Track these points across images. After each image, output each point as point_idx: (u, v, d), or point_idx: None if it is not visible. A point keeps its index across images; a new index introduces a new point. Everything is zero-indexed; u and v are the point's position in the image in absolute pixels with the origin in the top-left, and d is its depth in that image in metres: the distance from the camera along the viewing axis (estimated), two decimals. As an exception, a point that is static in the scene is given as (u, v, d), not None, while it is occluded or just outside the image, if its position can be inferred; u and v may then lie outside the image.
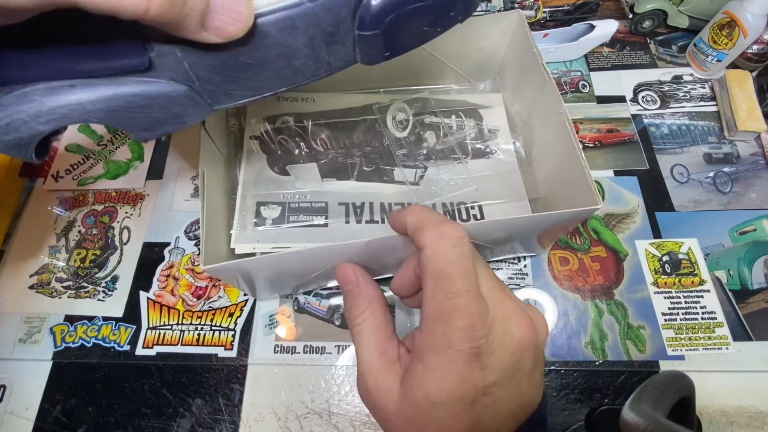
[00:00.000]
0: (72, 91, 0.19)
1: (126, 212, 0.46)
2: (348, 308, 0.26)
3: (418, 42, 0.25)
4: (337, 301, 0.41)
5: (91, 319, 0.40)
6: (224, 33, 0.18)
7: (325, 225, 0.37)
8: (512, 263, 0.42)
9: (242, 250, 0.36)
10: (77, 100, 0.19)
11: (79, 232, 0.45)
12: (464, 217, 0.40)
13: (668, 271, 0.42)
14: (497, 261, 0.42)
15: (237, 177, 0.39)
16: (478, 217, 0.40)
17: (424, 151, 0.42)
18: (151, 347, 0.39)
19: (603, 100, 0.52)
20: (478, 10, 0.58)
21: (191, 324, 0.40)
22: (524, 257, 0.42)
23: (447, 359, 0.19)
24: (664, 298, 0.40)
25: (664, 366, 0.38)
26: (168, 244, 0.44)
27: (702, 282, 0.41)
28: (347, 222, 0.38)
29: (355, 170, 0.41)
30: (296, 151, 0.41)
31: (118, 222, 0.45)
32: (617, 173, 0.47)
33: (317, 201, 0.38)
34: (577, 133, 0.50)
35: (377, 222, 0.38)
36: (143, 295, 0.41)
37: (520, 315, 0.21)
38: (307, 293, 0.41)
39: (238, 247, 0.36)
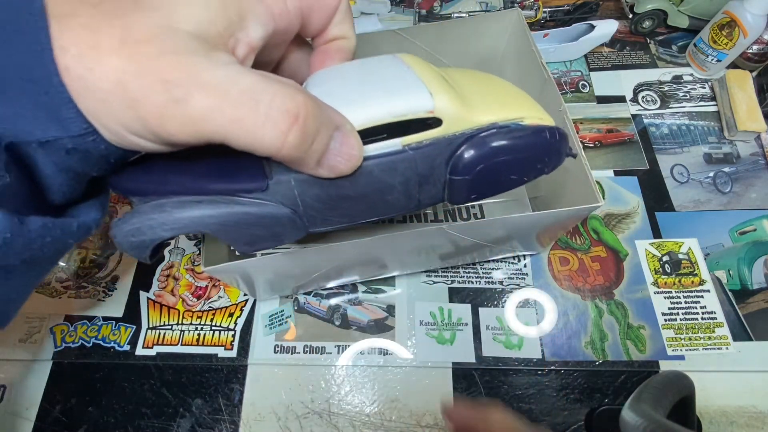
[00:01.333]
0: (198, 207, 0.22)
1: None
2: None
3: (505, 188, 0.27)
4: (336, 301, 0.41)
5: (91, 319, 0.40)
6: (336, 171, 0.21)
7: None
8: (512, 263, 0.42)
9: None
10: (200, 215, 0.22)
11: (79, 232, 0.45)
12: (464, 216, 0.40)
13: (668, 271, 0.42)
14: (497, 260, 0.42)
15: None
16: (478, 215, 0.40)
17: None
18: (151, 347, 0.39)
19: (603, 100, 0.52)
20: (477, 9, 0.58)
21: (191, 324, 0.40)
22: (524, 257, 0.42)
23: None
24: (664, 298, 0.40)
25: (664, 366, 0.38)
26: (168, 244, 0.44)
27: (702, 282, 0.41)
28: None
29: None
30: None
31: (118, 222, 0.45)
32: (617, 173, 0.47)
33: None
34: (577, 133, 0.50)
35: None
36: (143, 295, 0.41)
37: None
38: (307, 293, 0.41)
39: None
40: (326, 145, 0.20)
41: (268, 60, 0.25)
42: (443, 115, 0.23)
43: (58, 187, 0.21)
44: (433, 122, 0.23)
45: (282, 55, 0.26)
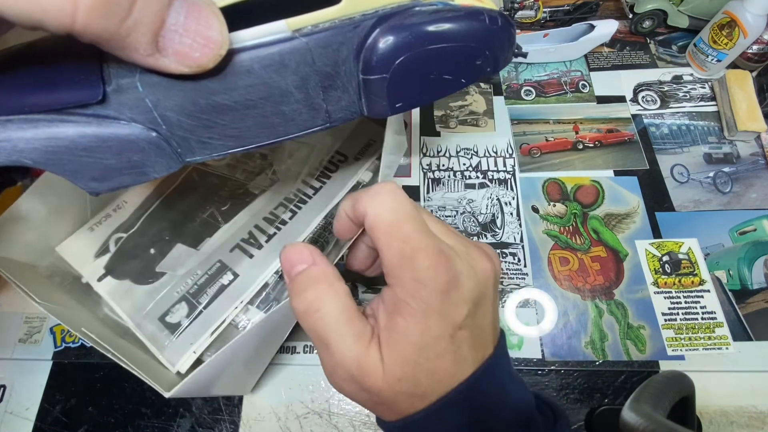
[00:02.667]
0: (7, 127, 0.16)
1: None
2: (301, 294, 0.21)
3: (439, 92, 0.21)
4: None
5: (91, 319, 0.40)
6: (188, 60, 0.15)
7: (237, 275, 0.34)
8: (512, 263, 0.42)
9: (188, 363, 0.30)
10: (8, 138, 0.16)
11: (79, 232, 0.45)
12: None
13: (668, 271, 0.42)
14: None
15: (117, 319, 0.33)
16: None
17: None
18: (151, 347, 0.39)
19: (603, 100, 0.52)
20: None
21: (191, 324, 0.40)
22: (524, 257, 0.42)
23: (423, 301, 0.19)
24: (664, 298, 0.40)
25: (664, 366, 0.38)
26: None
27: (702, 282, 0.41)
28: (252, 256, 0.34)
29: (218, 216, 0.37)
30: (152, 252, 0.35)
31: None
32: (617, 173, 0.47)
33: (210, 266, 0.34)
34: (577, 133, 0.50)
35: (278, 230, 0.36)
36: (143, 295, 0.41)
37: (476, 248, 0.22)
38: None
39: (180, 365, 0.30)
40: (159, 17, 0.14)
41: None
42: None
43: None
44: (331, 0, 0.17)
45: None
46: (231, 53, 0.17)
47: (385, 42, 0.18)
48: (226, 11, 0.15)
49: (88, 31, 0.13)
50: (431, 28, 0.18)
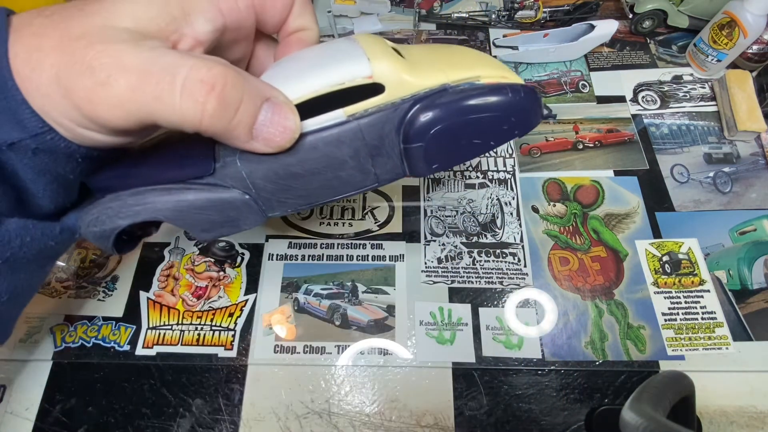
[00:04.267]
0: (151, 194, 0.23)
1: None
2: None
3: (471, 154, 0.25)
4: (337, 301, 0.41)
5: (91, 319, 0.40)
6: (273, 143, 0.21)
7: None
8: (512, 263, 0.42)
9: None
10: (152, 201, 0.23)
11: (79, 232, 0.45)
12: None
13: (668, 271, 0.42)
14: (497, 260, 0.42)
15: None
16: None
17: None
18: (151, 347, 0.39)
19: (603, 100, 0.52)
20: (477, 9, 0.58)
21: (191, 324, 0.40)
22: (524, 257, 0.42)
23: None
24: (664, 298, 0.40)
25: (664, 366, 0.38)
26: (168, 244, 0.44)
27: (702, 282, 0.41)
28: None
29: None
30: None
31: (118, 222, 0.45)
32: (617, 173, 0.47)
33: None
34: (577, 133, 0.50)
35: None
36: (143, 295, 0.41)
37: None
38: (307, 293, 0.41)
39: None
40: (253, 116, 0.20)
41: (234, 58, 0.26)
42: (384, 80, 0.22)
43: (43, 192, 0.22)
44: (375, 89, 0.22)
45: (250, 52, 0.27)
46: (302, 136, 0.22)
47: (420, 118, 0.23)
48: (299, 105, 0.21)
49: (209, 130, 0.20)
50: (457, 105, 0.23)
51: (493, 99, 0.23)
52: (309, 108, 0.22)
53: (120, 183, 0.24)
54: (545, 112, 0.26)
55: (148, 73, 0.18)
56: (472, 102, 0.23)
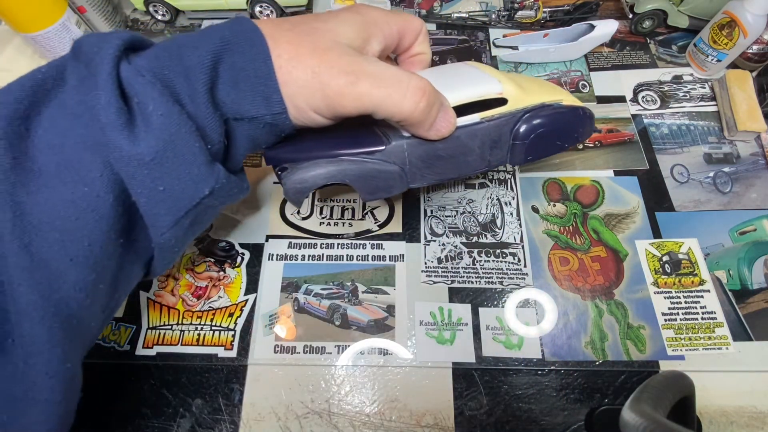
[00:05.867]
0: (342, 163, 0.31)
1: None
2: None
3: (552, 151, 0.36)
4: (337, 301, 0.41)
5: (91, 319, 0.40)
6: (439, 133, 0.30)
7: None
8: (512, 263, 0.42)
9: None
10: (344, 168, 0.31)
11: (79, 232, 0.45)
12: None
13: (668, 271, 0.42)
14: (497, 260, 0.42)
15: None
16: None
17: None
18: (151, 347, 0.39)
19: (603, 100, 0.52)
20: (477, 9, 0.58)
21: (191, 324, 0.40)
22: (524, 257, 0.42)
23: None
24: (664, 298, 0.40)
25: (664, 366, 0.38)
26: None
27: (702, 282, 0.41)
28: None
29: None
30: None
31: (118, 222, 0.45)
32: (617, 173, 0.47)
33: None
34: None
35: None
36: (143, 295, 0.41)
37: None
38: (307, 293, 0.41)
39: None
40: (437, 114, 0.29)
41: None
42: (508, 96, 0.32)
43: (239, 156, 0.30)
44: (501, 102, 0.32)
45: None
46: None
47: (527, 125, 0.33)
48: (453, 108, 0.31)
49: (412, 120, 0.28)
50: (552, 117, 0.34)
51: (572, 116, 0.35)
52: (457, 111, 0.31)
53: (306, 156, 0.31)
54: (595, 127, 0.39)
55: (383, 79, 0.26)
56: (560, 117, 0.34)
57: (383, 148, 0.31)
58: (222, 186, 0.27)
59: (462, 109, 0.31)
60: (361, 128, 0.32)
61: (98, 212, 0.24)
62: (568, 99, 0.35)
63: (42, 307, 0.22)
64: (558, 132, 0.34)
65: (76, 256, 0.23)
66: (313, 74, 0.26)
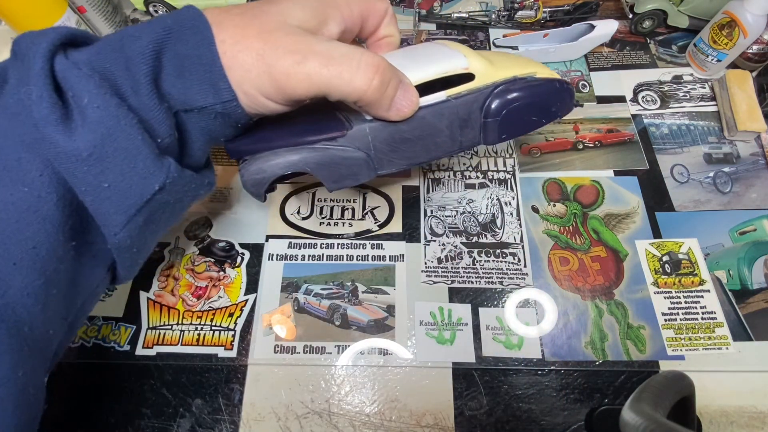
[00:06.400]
0: (302, 151, 0.30)
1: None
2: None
3: (528, 128, 0.34)
4: (337, 301, 0.41)
5: (91, 319, 0.40)
6: (401, 113, 0.29)
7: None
8: (512, 263, 0.42)
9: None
10: (304, 157, 0.30)
11: (79, 232, 0.45)
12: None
13: (668, 271, 0.42)
14: (497, 260, 0.42)
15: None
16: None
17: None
18: (151, 347, 0.39)
19: (603, 100, 0.52)
20: (477, 9, 0.58)
21: (191, 324, 0.40)
22: (524, 257, 0.42)
23: None
24: (664, 298, 0.40)
25: (664, 366, 0.38)
26: (168, 244, 0.44)
27: (702, 282, 0.41)
28: None
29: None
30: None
31: (118, 222, 0.45)
32: (617, 173, 0.47)
33: None
34: (577, 133, 0.50)
35: None
36: (143, 295, 0.41)
37: None
38: (307, 293, 0.41)
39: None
40: (395, 92, 0.27)
41: None
42: (475, 71, 0.30)
43: (196, 150, 0.29)
44: (469, 78, 0.30)
45: None
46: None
47: (497, 100, 0.31)
48: (416, 87, 0.29)
49: (366, 99, 0.26)
50: (525, 90, 0.32)
51: (547, 88, 0.33)
52: (420, 89, 0.29)
53: (265, 146, 0.30)
54: (577, 102, 0.36)
55: (332, 57, 0.25)
56: (534, 90, 0.32)
57: (345, 132, 0.29)
58: (174, 181, 0.26)
59: (427, 88, 0.29)
60: (322, 114, 0.31)
61: (40, 213, 0.23)
62: (543, 72, 0.33)
63: None
64: (533, 106, 0.32)
65: (20, 260, 0.22)
66: (258, 56, 0.24)
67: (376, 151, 0.30)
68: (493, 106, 0.31)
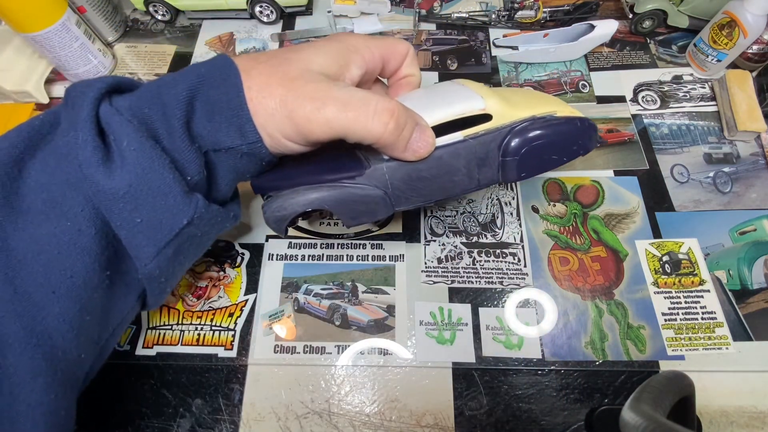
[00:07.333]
0: (321, 190, 0.31)
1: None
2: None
3: (549, 167, 0.33)
4: (337, 301, 0.41)
5: (91, 319, 0.40)
6: (417, 154, 0.29)
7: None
8: (512, 263, 0.42)
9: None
10: (323, 195, 0.31)
11: (79, 232, 0.45)
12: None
13: (668, 271, 0.42)
14: (497, 260, 0.42)
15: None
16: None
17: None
18: (151, 347, 0.39)
19: (603, 100, 0.52)
20: (477, 9, 0.58)
21: (191, 324, 0.40)
22: (524, 257, 0.42)
23: None
24: (664, 298, 0.40)
25: (664, 366, 0.38)
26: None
27: (702, 282, 0.41)
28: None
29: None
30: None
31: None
32: (617, 173, 0.47)
33: None
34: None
35: None
36: (143, 295, 0.41)
37: None
38: (307, 293, 0.41)
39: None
40: (411, 134, 0.28)
41: None
42: (492, 112, 0.31)
43: (223, 186, 0.31)
44: (486, 118, 0.31)
45: (369, 90, 0.35)
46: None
47: (516, 140, 0.31)
48: (433, 128, 0.30)
49: (383, 142, 0.28)
50: (543, 131, 0.32)
51: (567, 127, 0.33)
52: (438, 130, 0.30)
53: (288, 183, 0.31)
54: (599, 139, 0.35)
55: (349, 103, 0.26)
56: (552, 129, 0.32)
57: (363, 172, 0.30)
58: (201, 216, 0.28)
59: (444, 128, 0.30)
60: (341, 153, 0.32)
61: (80, 245, 0.25)
62: (564, 110, 0.33)
63: (23, 338, 0.23)
64: (553, 145, 0.32)
65: (58, 288, 0.24)
66: (282, 103, 0.26)
67: (394, 188, 0.31)
68: (512, 145, 0.31)
